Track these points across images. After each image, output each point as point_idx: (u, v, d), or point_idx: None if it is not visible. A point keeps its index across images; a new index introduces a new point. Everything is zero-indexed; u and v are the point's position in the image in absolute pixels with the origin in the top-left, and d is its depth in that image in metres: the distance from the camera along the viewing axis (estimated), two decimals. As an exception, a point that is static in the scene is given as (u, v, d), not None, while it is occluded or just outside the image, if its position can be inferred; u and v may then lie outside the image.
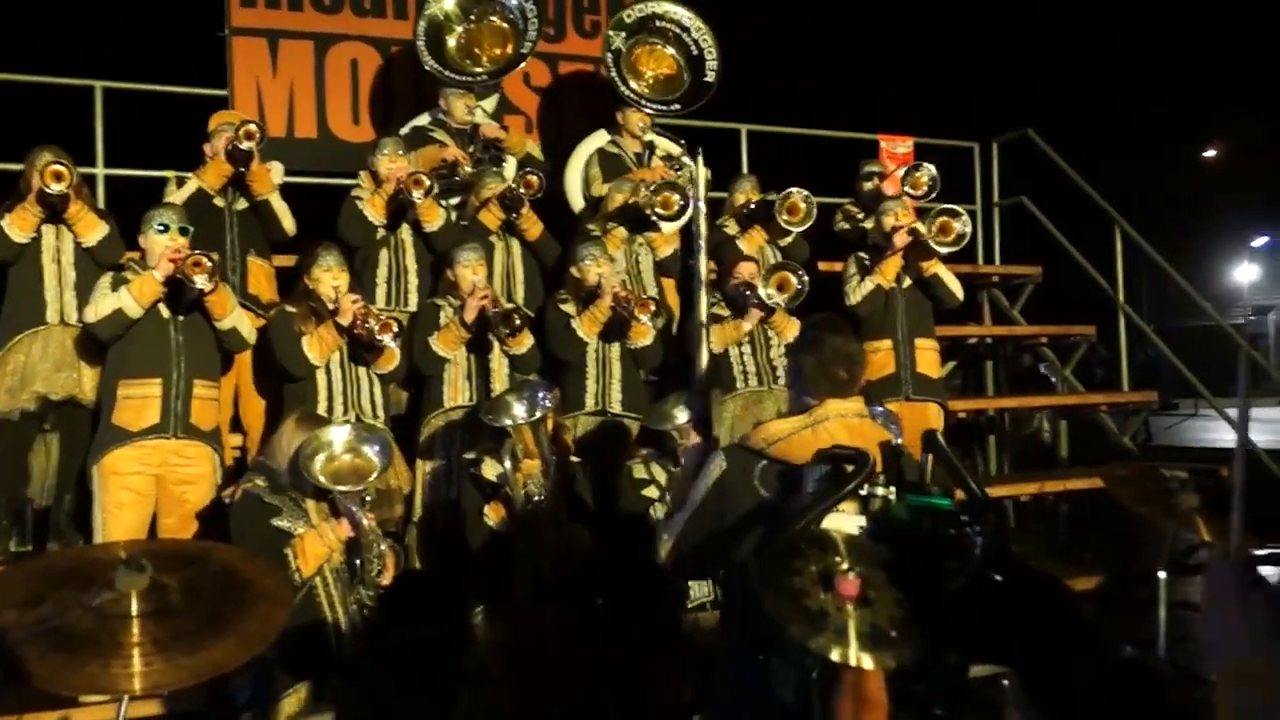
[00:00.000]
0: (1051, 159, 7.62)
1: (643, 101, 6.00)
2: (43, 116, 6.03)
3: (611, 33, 6.12)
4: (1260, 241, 26.78)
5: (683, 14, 6.21)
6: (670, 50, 6.23)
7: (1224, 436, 7.35)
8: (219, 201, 5.07)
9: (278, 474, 3.79)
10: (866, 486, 2.36)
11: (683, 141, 6.02)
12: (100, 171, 6.03)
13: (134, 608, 1.78)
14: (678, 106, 6.13)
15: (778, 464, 2.57)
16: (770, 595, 1.90)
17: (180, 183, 5.08)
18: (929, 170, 6.08)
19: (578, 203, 6.09)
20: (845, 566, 1.91)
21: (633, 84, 6.05)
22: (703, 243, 2.99)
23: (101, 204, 5.82)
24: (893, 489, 2.39)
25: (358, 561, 3.76)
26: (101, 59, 6.53)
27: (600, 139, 6.13)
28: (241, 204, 5.16)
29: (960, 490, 2.49)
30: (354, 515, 3.69)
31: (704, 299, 3.20)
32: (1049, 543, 6.64)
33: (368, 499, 3.80)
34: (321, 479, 3.64)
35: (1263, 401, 11.72)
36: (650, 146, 6.07)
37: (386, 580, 3.85)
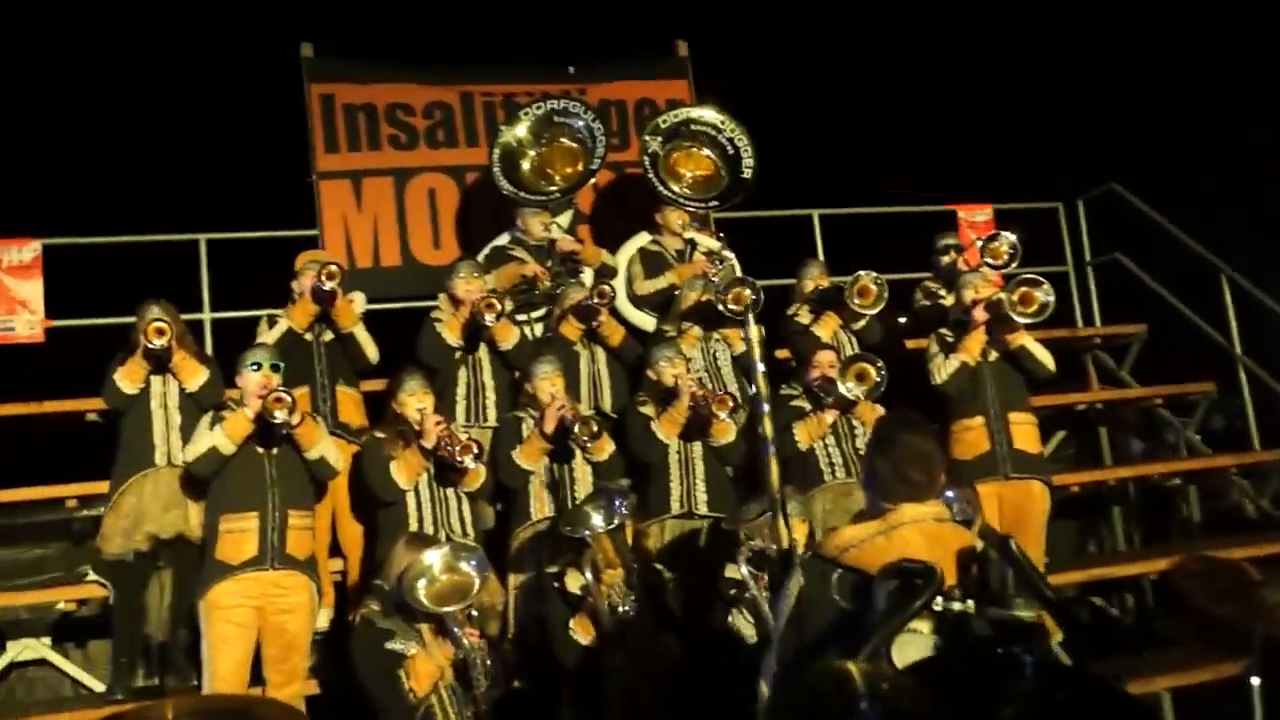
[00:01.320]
0: (1142, 211, 7.37)
1: (681, 200, 6.11)
2: (155, 271, 6.46)
3: (647, 137, 6.29)
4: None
5: (715, 117, 6.35)
6: (706, 151, 6.35)
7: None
8: (308, 336, 5.34)
9: (390, 596, 3.95)
10: (941, 601, 2.25)
11: (722, 235, 6.08)
12: (207, 317, 6.40)
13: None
14: (716, 203, 6.23)
15: (852, 573, 2.48)
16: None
17: (272, 322, 5.36)
18: (1008, 238, 5.94)
19: (623, 304, 6.16)
20: (864, 705, 1.78)
21: (671, 185, 6.18)
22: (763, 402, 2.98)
23: (210, 346, 6.18)
24: (970, 602, 2.27)
25: (471, 674, 3.86)
26: (205, 214, 7.00)
27: (641, 239, 6.26)
28: (328, 336, 5.40)
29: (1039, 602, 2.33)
30: (455, 635, 3.82)
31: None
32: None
33: (473, 614, 3.92)
34: (426, 603, 3.77)
35: None
36: (691, 243, 6.16)
37: (486, 687, 3.89)
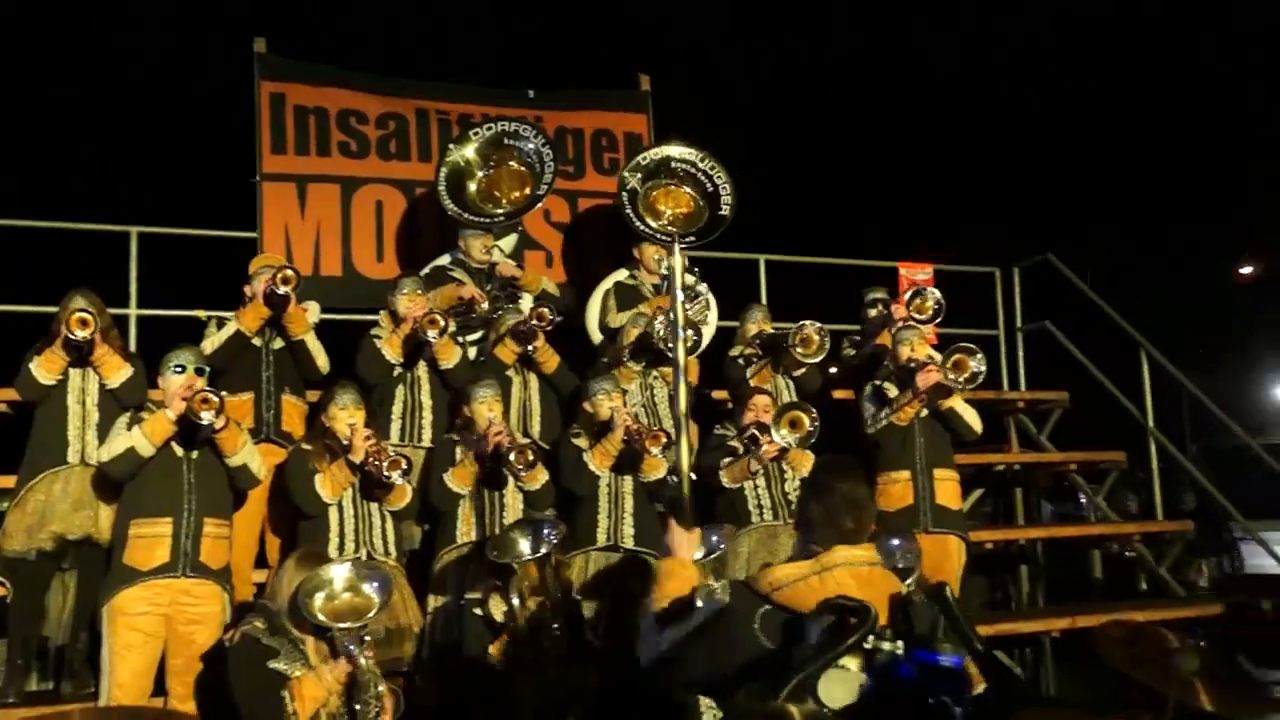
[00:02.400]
0: (1073, 283, 7.61)
1: (657, 235, 6.13)
2: (82, 261, 6.29)
3: (627, 174, 6.31)
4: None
5: (693, 154, 6.39)
6: (686, 189, 6.41)
7: (1268, 562, 7.11)
8: (256, 341, 5.21)
9: (277, 615, 3.79)
10: (872, 640, 2.29)
11: (696, 269, 6.11)
12: (133, 312, 6.21)
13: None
14: (692, 238, 6.25)
15: (782, 611, 2.53)
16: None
17: (220, 324, 5.21)
18: (933, 294, 6.09)
19: (597, 337, 6.18)
20: None
21: (650, 221, 6.21)
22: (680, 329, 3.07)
23: (134, 343, 6.01)
24: (900, 643, 2.31)
25: (356, 706, 3.69)
26: (139, 205, 6.83)
27: (619, 274, 6.27)
28: (278, 343, 5.28)
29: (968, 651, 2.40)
30: (352, 654, 3.66)
31: (683, 390, 3.20)
32: (1092, 682, 6.34)
33: (367, 638, 3.75)
34: (320, 617, 3.64)
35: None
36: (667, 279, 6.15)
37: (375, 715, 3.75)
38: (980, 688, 3.84)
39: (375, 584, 3.78)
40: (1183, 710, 2.75)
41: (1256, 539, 7.12)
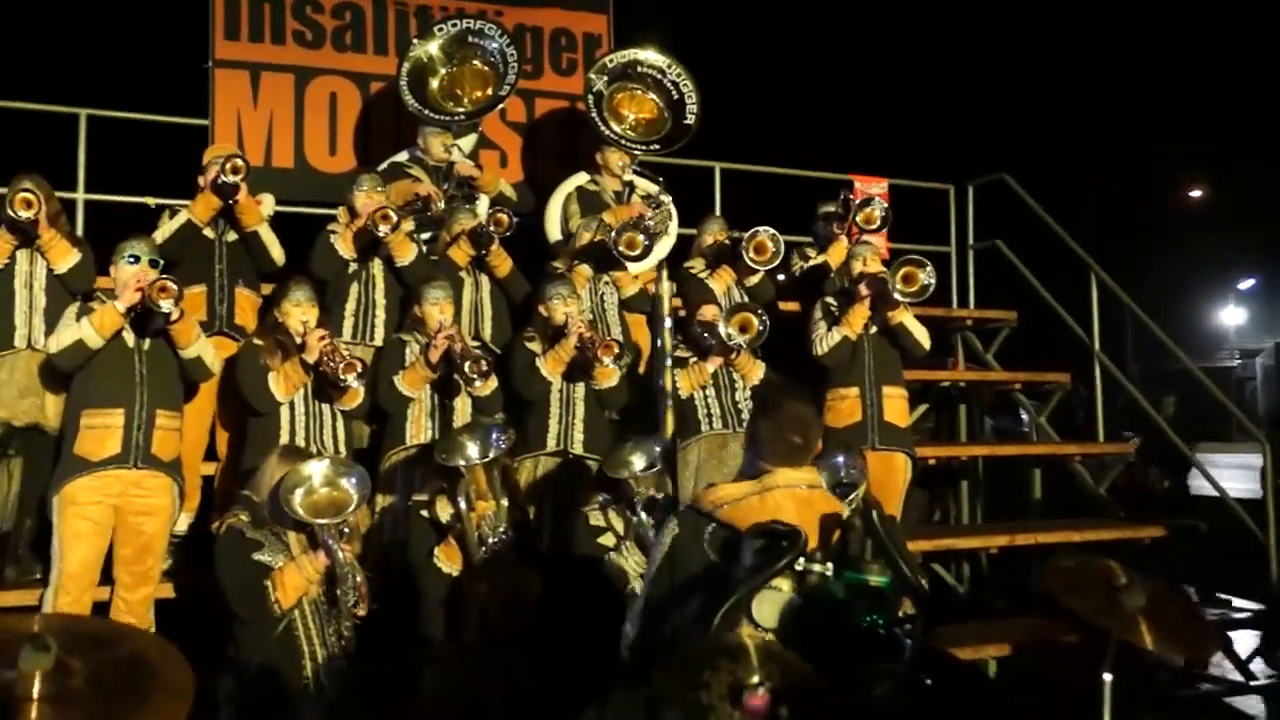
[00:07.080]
0: (1027, 203, 7.65)
1: (622, 141, 6.07)
2: (28, 142, 6.11)
3: (593, 75, 6.20)
4: (1247, 284, 26.39)
5: (661, 60, 6.30)
6: (651, 95, 6.32)
7: (1206, 485, 7.33)
8: (209, 232, 5.13)
9: (260, 507, 3.89)
10: (802, 562, 2.38)
11: (661, 179, 6.08)
12: (81, 197, 6.08)
13: (36, 690, 1.70)
14: (656, 147, 6.20)
15: (725, 528, 2.62)
16: (674, 713, 1.84)
17: (172, 214, 5.12)
18: (880, 204, 6.11)
19: (556, 240, 6.13)
20: (755, 680, 1.82)
21: (614, 125, 6.12)
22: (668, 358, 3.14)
23: (81, 228, 5.89)
24: (829, 565, 2.40)
25: (337, 593, 3.87)
26: (88, 87, 6.62)
27: (581, 178, 6.19)
28: (231, 235, 5.20)
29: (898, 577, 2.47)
30: (330, 547, 3.79)
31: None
32: (1023, 595, 6.55)
33: (345, 531, 3.89)
34: (300, 512, 3.74)
35: (1243, 448, 11.59)
36: (630, 185, 6.13)
37: (362, 611, 3.95)
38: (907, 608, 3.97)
39: (353, 480, 3.90)
40: (1124, 647, 2.78)
41: (1193, 462, 7.34)
